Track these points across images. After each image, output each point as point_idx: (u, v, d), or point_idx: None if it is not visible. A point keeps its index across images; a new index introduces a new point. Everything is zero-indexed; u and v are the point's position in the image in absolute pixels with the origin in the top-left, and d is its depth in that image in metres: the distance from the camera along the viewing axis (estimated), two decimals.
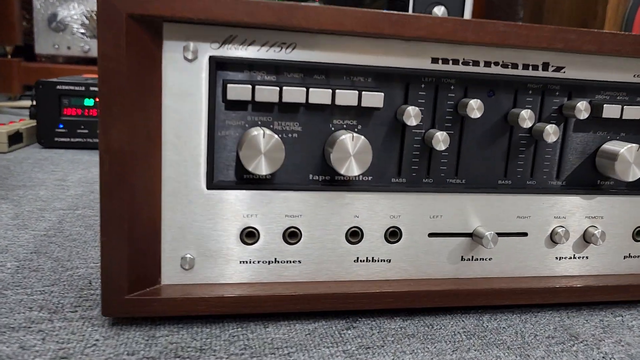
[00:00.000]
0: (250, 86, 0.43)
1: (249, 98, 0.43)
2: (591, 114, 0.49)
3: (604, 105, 0.49)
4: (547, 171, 0.51)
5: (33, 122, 1.19)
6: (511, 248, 0.51)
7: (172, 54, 0.42)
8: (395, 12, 0.43)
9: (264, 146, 0.42)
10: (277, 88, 0.43)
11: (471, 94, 0.48)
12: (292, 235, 0.47)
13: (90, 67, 1.89)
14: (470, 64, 0.46)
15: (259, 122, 0.45)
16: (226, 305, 0.45)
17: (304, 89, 0.44)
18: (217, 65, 0.43)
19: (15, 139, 1.13)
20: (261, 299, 0.45)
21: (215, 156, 0.44)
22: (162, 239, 0.45)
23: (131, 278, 0.43)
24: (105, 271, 0.42)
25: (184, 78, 0.42)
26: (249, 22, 0.41)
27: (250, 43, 0.43)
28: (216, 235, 0.46)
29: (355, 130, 0.46)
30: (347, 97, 0.44)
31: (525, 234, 0.51)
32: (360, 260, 0.48)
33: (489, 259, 0.51)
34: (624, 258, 0.54)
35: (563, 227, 0.51)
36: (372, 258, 0.49)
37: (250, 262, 0.47)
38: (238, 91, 0.43)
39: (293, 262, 0.47)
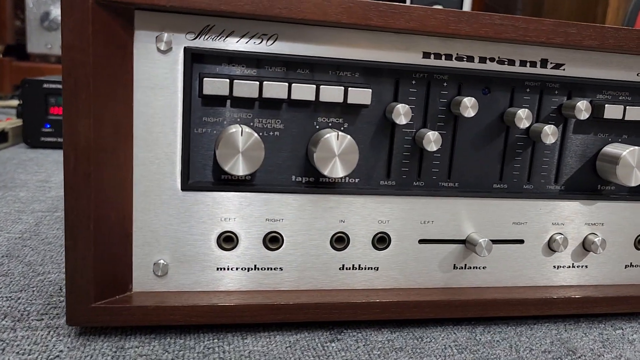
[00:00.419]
0: (228, 80, 0.40)
1: (226, 93, 0.40)
2: (592, 114, 0.46)
3: (606, 105, 0.46)
4: (545, 175, 0.48)
5: (20, 122, 1.17)
6: (506, 256, 0.48)
7: (144, 44, 0.39)
8: (385, 2, 0.40)
9: (242, 145, 0.40)
10: (257, 83, 0.40)
11: (465, 91, 0.45)
12: (273, 241, 0.44)
13: None
14: (464, 59, 0.44)
15: (238, 119, 0.42)
16: (201, 314, 0.42)
17: (286, 84, 0.41)
18: (193, 57, 0.40)
19: (0, 138, 1.10)
20: (239, 308, 0.42)
21: (191, 155, 0.42)
22: (133, 243, 0.42)
23: (98, 285, 0.40)
24: (70, 277, 0.39)
25: (157, 70, 0.40)
26: (226, 10, 0.38)
27: (228, 34, 0.40)
28: (192, 239, 0.43)
29: (342, 128, 0.43)
30: (332, 93, 0.42)
31: (521, 241, 0.48)
32: (346, 268, 0.46)
33: (483, 268, 0.48)
34: (625, 267, 0.51)
35: (561, 234, 0.48)
36: (359, 266, 0.46)
37: (228, 269, 0.44)
38: (215, 85, 0.40)
39: (274, 269, 0.44)
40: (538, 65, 0.45)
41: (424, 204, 0.46)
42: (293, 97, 0.41)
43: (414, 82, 0.44)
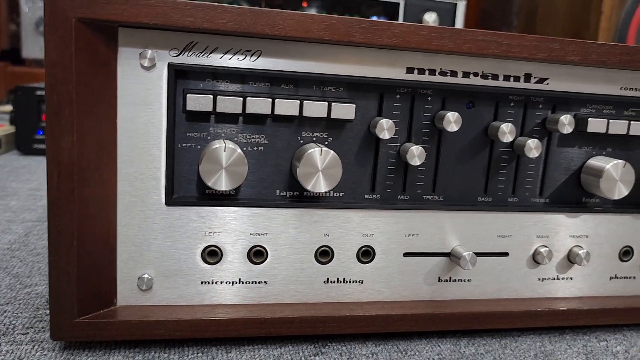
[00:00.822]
0: (211, 96, 0.40)
1: (210, 109, 0.40)
2: (576, 128, 0.47)
3: (589, 119, 0.47)
4: (530, 188, 0.48)
5: (12, 129, 1.17)
6: (491, 269, 0.48)
7: (128, 61, 0.39)
8: (367, 18, 0.40)
9: (225, 160, 0.40)
10: (241, 98, 0.41)
11: (449, 106, 0.45)
12: (257, 255, 0.44)
13: None
14: (448, 74, 0.44)
15: (222, 134, 0.42)
16: (186, 329, 0.42)
17: (270, 99, 0.41)
18: (177, 73, 0.40)
19: None
20: (223, 322, 0.42)
21: (175, 170, 0.42)
22: (117, 258, 0.42)
23: (82, 300, 0.40)
24: (54, 293, 0.39)
25: (141, 87, 0.40)
26: (209, 28, 0.38)
27: (212, 50, 0.40)
28: (176, 254, 0.43)
29: (326, 143, 0.44)
30: (315, 108, 0.42)
31: (506, 254, 0.48)
32: (331, 282, 0.46)
33: (468, 280, 0.48)
34: (610, 279, 0.51)
35: (546, 246, 0.49)
36: (344, 279, 0.46)
37: (212, 283, 0.44)
38: (199, 101, 0.40)
39: (258, 282, 0.45)
40: (522, 79, 0.45)
41: (409, 217, 0.46)
42: (277, 112, 0.41)
43: (398, 96, 0.44)
